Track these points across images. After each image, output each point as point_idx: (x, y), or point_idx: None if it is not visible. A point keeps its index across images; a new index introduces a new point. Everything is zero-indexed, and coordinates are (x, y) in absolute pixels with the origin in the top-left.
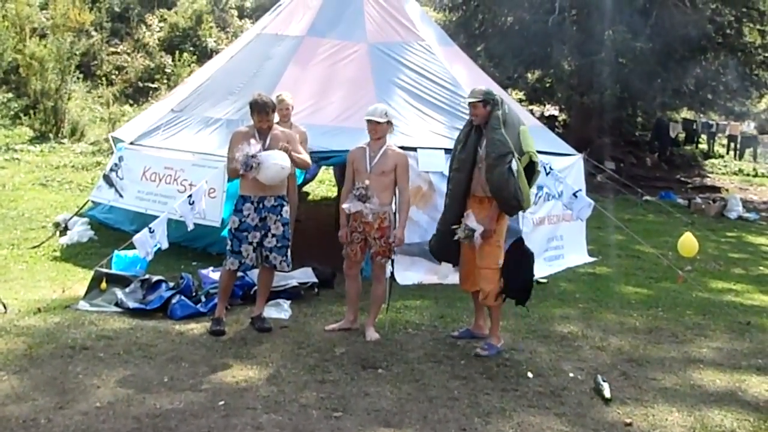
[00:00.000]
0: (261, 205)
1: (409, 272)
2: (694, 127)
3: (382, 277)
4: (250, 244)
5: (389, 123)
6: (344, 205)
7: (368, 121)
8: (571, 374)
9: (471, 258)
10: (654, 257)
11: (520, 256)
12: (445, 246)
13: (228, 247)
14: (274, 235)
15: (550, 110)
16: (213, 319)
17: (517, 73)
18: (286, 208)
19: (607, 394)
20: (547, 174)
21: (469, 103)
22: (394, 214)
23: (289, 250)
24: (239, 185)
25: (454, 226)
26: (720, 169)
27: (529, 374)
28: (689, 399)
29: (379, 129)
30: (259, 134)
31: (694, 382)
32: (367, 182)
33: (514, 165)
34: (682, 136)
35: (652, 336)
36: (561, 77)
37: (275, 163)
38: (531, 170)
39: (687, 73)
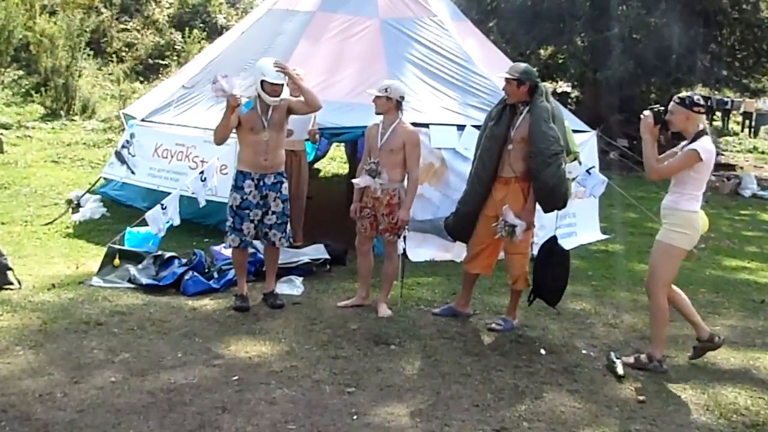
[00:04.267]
0: (261, 183)
1: (421, 249)
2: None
3: (393, 254)
4: (252, 221)
5: (389, 99)
6: (355, 180)
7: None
8: (584, 351)
9: (485, 240)
10: None
11: (549, 256)
12: (463, 226)
13: (229, 224)
14: (274, 213)
15: (563, 87)
16: (237, 295)
17: (530, 49)
18: (285, 185)
19: (620, 371)
20: (589, 174)
21: (505, 79)
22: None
23: (288, 226)
24: (238, 160)
25: (494, 224)
26: (734, 146)
27: (542, 351)
28: (703, 376)
29: (378, 103)
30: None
31: (707, 359)
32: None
33: (564, 165)
34: None
35: None
36: (574, 53)
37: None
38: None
39: (702, 49)
